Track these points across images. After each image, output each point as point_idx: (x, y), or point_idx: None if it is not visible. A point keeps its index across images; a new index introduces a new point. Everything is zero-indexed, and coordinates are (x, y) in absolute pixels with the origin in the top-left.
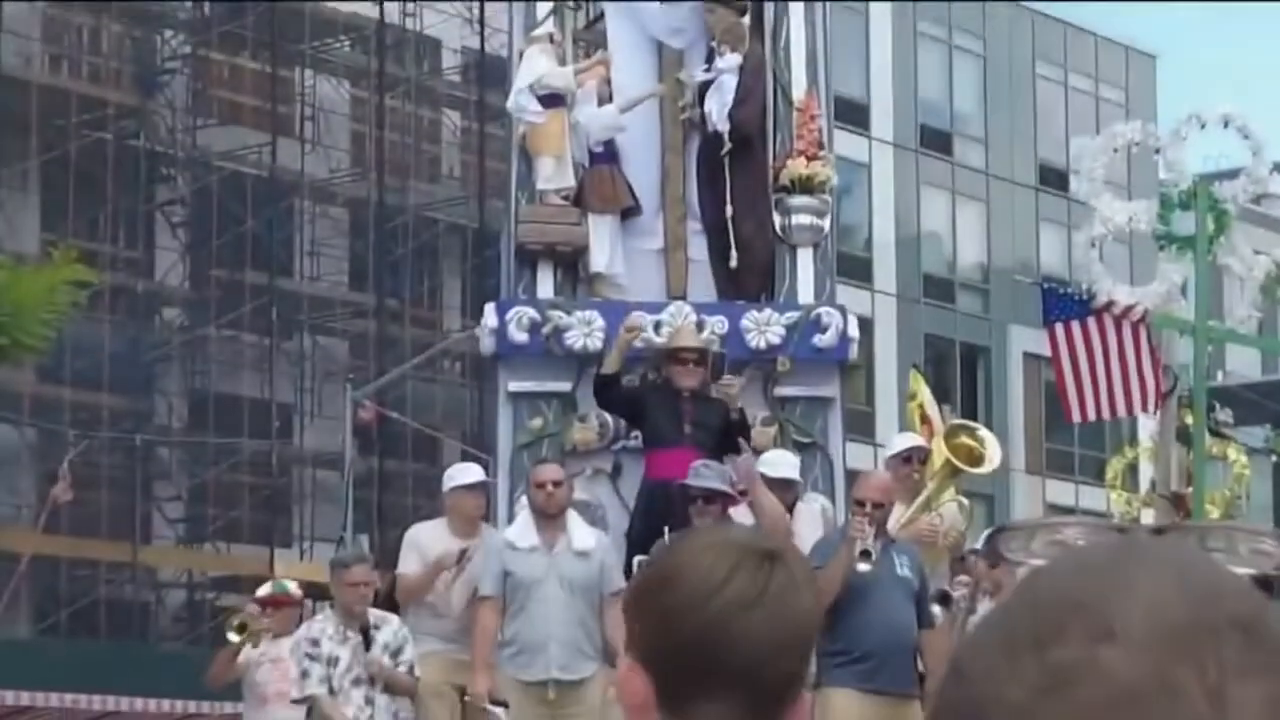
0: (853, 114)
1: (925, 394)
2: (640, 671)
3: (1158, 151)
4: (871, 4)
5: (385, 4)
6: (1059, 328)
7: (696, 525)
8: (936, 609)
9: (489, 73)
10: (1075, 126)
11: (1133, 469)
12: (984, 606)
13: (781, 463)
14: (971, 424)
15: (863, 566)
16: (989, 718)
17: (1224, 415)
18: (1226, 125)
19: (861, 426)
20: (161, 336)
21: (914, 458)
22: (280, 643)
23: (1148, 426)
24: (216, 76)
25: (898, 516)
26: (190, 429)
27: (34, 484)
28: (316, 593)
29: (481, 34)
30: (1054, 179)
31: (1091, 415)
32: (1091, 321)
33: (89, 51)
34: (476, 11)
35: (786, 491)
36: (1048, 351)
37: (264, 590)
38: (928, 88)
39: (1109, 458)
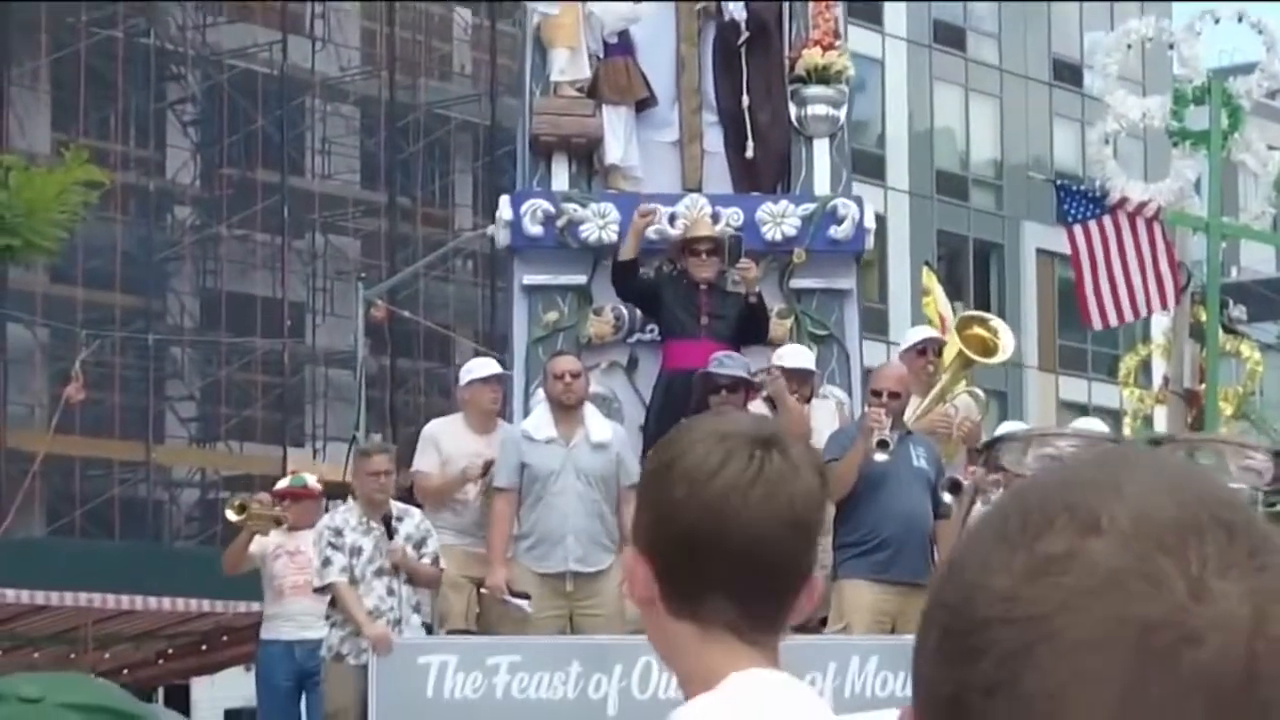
0: (865, 9)
1: (937, 291)
2: (644, 562)
3: (1172, 47)
4: None
5: None
6: (1078, 230)
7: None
8: (947, 496)
9: None
10: (1089, 22)
11: (1146, 366)
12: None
13: (797, 355)
14: (984, 314)
15: (880, 457)
16: (975, 604)
17: (1237, 311)
18: (1241, 20)
19: (875, 323)
20: (173, 236)
21: (928, 350)
22: (299, 536)
23: (1161, 323)
24: None
25: (913, 409)
26: (202, 328)
27: (47, 384)
28: (329, 491)
29: None
30: (1068, 74)
31: (1112, 320)
32: (1108, 220)
33: None
34: None
35: (803, 384)
36: (1062, 249)
37: (283, 483)
38: None
39: (1122, 355)
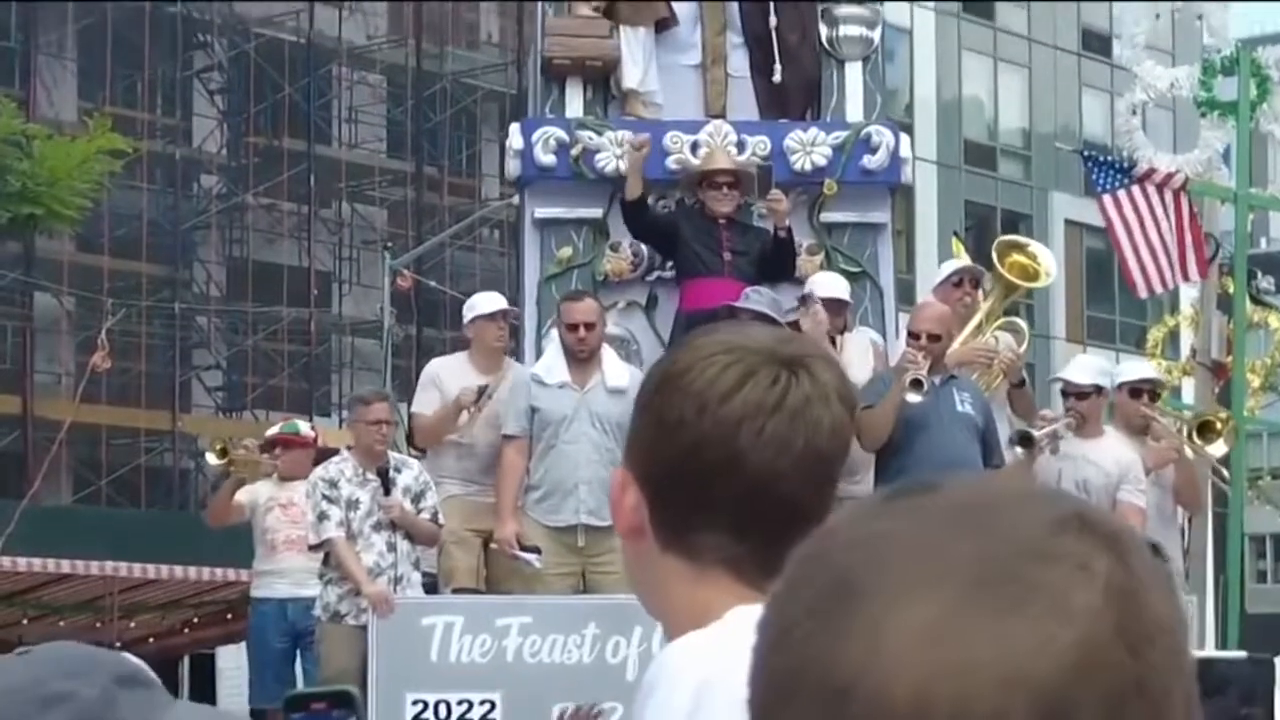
0: None
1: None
2: (636, 486)
3: (1200, 16)
4: None
5: None
6: (1108, 200)
7: None
8: (1019, 450)
9: None
10: None
11: (1173, 337)
12: (1066, 443)
13: (831, 283)
14: (1021, 239)
15: (913, 397)
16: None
17: (1265, 283)
18: None
19: (903, 294)
20: (199, 204)
21: (964, 281)
22: (291, 486)
23: (1189, 294)
24: None
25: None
26: (229, 297)
27: (73, 353)
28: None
29: None
30: (1096, 44)
31: (1156, 286)
32: (1136, 189)
33: None
34: None
35: (836, 315)
36: (1090, 220)
37: (273, 430)
38: None
39: (1150, 326)
